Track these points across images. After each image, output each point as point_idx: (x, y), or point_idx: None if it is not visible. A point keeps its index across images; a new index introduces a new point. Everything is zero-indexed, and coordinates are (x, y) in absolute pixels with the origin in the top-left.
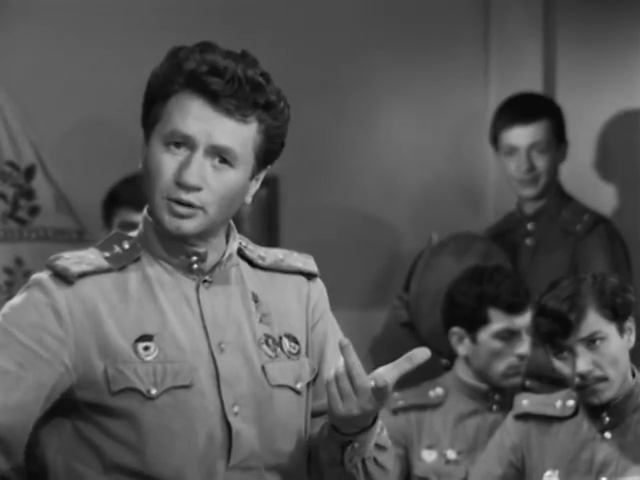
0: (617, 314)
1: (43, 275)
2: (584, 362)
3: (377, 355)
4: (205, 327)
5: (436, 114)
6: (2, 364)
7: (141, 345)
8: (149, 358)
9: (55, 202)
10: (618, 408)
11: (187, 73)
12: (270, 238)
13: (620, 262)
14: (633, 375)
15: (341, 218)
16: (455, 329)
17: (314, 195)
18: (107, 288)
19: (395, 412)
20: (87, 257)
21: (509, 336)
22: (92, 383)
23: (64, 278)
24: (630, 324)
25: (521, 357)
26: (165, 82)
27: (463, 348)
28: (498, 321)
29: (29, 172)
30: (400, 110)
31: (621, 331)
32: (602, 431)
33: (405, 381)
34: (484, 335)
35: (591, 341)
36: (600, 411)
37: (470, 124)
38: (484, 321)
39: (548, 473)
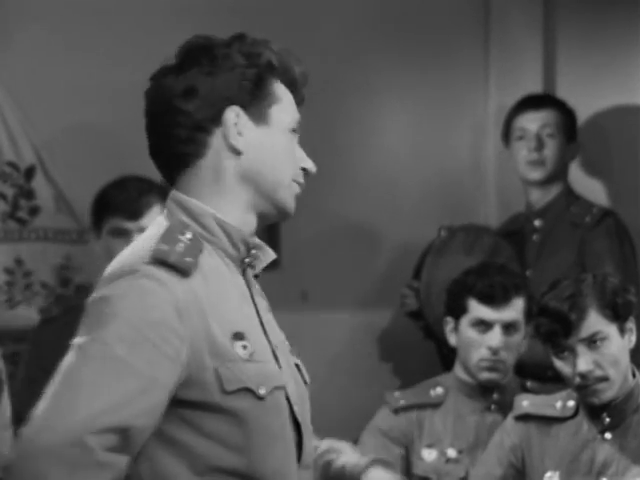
0: (618, 314)
1: (149, 267)
2: (585, 362)
3: (381, 352)
4: (262, 325)
5: (437, 117)
6: (135, 364)
7: (238, 344)
8: (247, 357)
9: (55, 202)
10: (618, 408)
11: (300, 73)
12: (270, 235)
13: (628, 256)
14: (633, 375)
15: (342, 217)
16: (448, 318)
17: (315, 194)
18: (200, 282)
19: (396, 411)
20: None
21: (482, 327)
22: (201, 382)
23: (180, 270)
24: (631, 324)
25: (492, 350)
26: (286, 69)
27: (452, 338)
28: (473, 310)
29: (29, 172)
30: (401, 113)
31: (622, 331)
32: (602, 432)
33: (406, 381)
34: (463, 323)
35: (592, 341)
36: (600, 411)
37: (471, 127)
38: (464, 310)
39: (548, 474)
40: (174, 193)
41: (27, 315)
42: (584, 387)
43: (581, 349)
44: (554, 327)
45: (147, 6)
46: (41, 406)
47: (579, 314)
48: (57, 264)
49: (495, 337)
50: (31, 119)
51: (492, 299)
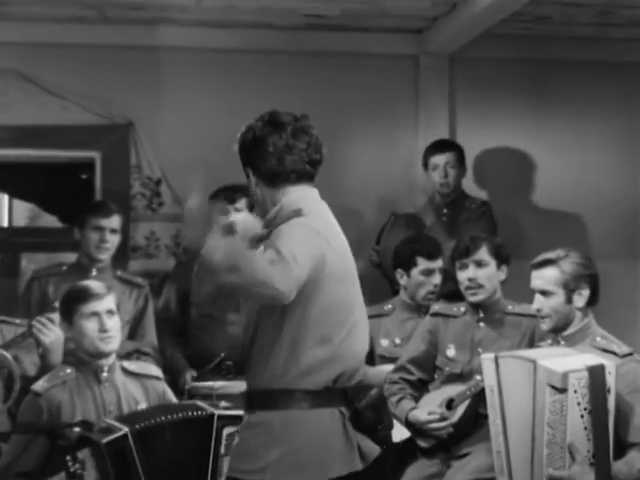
0: (498, 255)
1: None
2: (473, 272)
3: None
4: None
5: (383, 154)
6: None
7: None
8: None
9: (172, 200)
10: (488, 308)
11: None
12: None
13: (492, 227)
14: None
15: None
16: (399, 270)
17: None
18: None
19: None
20: None
21: (428, 273)
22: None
23: None
24: (504, 268)
25: (435, 286)
26: None
27: (403, 281)
28: (421, 264)
29: (158, 182)
30: (359, 153)
31: (498, 266)
32: (478, 321)
33: (373, 302)
34: (414, 272)
35: (479, 263)
36: (478, 308)
37: (407, 158)
38: (414, 264)
39: (449, 346)
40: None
41: (159, 262)
42: (469, 288)
43: (472, 266)
44: (460, 251)
45: (250, 70)
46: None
47: (475, 246)
48: (173, 234)
49: (437, 278)
50: (160, 150)
51: (433, 256)
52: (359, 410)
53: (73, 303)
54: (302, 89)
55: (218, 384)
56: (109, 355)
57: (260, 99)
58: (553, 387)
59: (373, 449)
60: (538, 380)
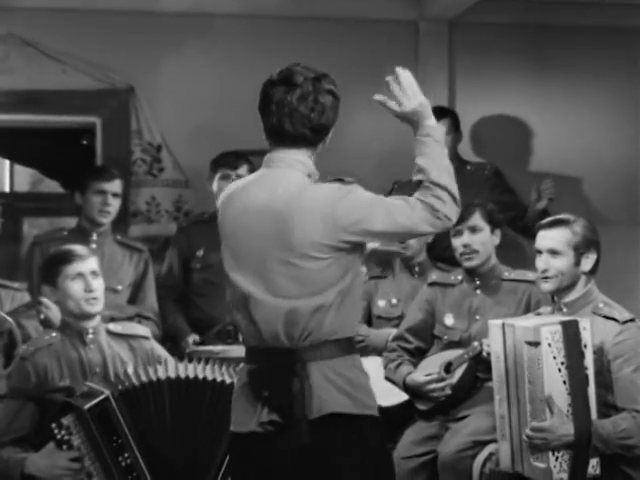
0: (492, 220)
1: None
2: (467, 238)
3: None
4: None
5: (383, 120)
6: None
7: None
8: None
9: (173, 165)
10: (484, 275)
11: None
12: None
13: (513, 193)
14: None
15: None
16: None
17: (317, 162)
18: None
19: (365, 282)
20: None
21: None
22: None
23: None
24: (498, 232)
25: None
26: None
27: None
28: None
29: (159, 148)
30: (359, 117)
31: (492, 231)
32: (475, 289)
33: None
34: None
35: (473, 229)
36: (474, 276)
37: (405, 126)
38: None
39: (447, 314)
40: None
41: (160, 227)
42: (463, 254)
43: (466, 232)
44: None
45: (257, 36)
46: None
47: (469, 212)
48: (174, 200)
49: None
50: (160, 116)
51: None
52: None
53: (57, 265)
54: (300, 55)
55: (218, 348)
56: (94, 317)
57: (258, 64)
58: (529, 343)
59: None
60: (517, 340)
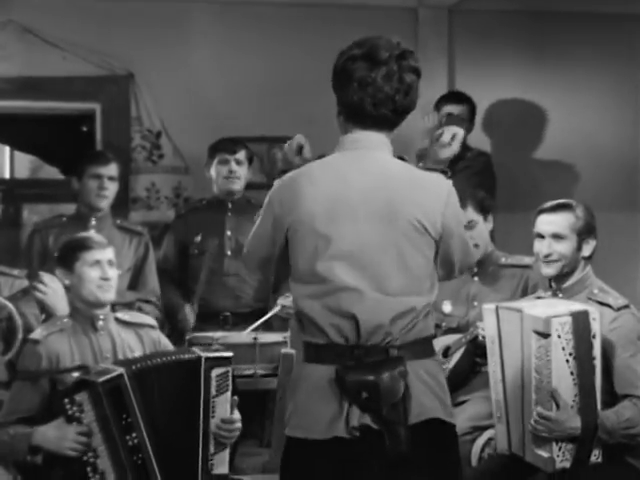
0: (483, 209)
1: None
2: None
3: None
4: None
5: None
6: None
7: None
8: None
9: (172, 152)
10: (481, 262)
11: None
12: None
13: (493, 179)
14: (492, 246)
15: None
16: None
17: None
18: None
19: None
20: None
21: None
22: None
23: None
24: (490, 218)
25: None
26: None
27: None
28: None
29: (158, 134)
30: None
31: (485, 219)
32: (473, 276)
33: None
34: None
35: (469, 225)
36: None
37: None
38: None
39: (445, 301)
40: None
41: (159, 213)
42: None
43: None
44: None
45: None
46: None
47: (463, 207)
48: (173, 186)
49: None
50: (160, 102)
51: None
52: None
53: (76, 250)
54: (300, 41)
55: (218, 334)
56: (106, 305)
57: (258, 51)
58: (538, 333)
59: None
60: (524, 328)
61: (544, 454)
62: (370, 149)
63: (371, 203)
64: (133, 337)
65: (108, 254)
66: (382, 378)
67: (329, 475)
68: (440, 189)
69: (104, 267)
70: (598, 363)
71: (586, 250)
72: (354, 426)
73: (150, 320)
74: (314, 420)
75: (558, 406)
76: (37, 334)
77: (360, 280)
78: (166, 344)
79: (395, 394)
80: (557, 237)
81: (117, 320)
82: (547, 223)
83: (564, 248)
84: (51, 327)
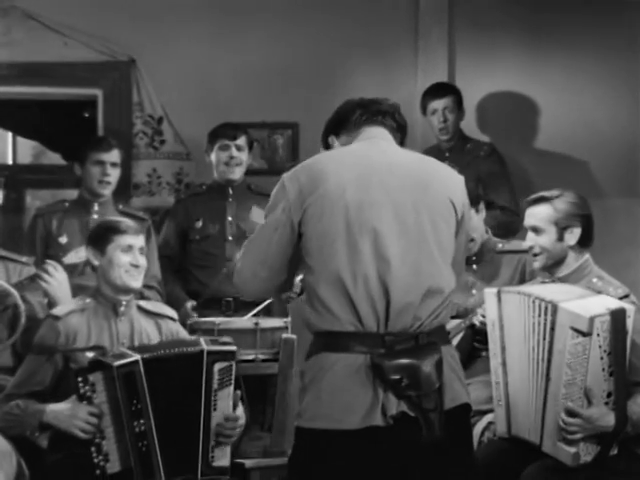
0: (472, 200)
1: None
2: None
3: None
4: None
5: (383, 94)
6: None
7: None
8: None
9: (174, 138)
10: (479, 250)
11: None
12: None
13: (507, 174)
14: (487, 233)
15: None
16: None
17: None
18: None
19: None
20: None
21: None
22: None
23: None
24: (482, 207)
25: None
26: None
27: None
28: None
29: (160, 120)
30: (359, 91)
31: (477, 210)
32: (471, 264)
33: None
34: None
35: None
36: (469, 255)
37: (405, 99)
38: None
39: None
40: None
41: (161, 199)
42: None
43: None
44: None
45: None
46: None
47: None
48: (175, 172)
49: None
50: (161, 88)
51: None
52: None
53: (110, 233)
54: (302, 28)
55: (219, 320)
56: (131, 292)
57: (260, 38)
58: (576, 330)
59: None
60: (559, 323)
61: (570, 449)
62: (385, 140)
63: (401, 175)
64: (152, 326)
65: (140, 241)
66: (424, 362)
67: (361, 465)
68: (459, 179)
69: (135, 253)
70: (627, 358)
71: (570, 239)
72: (392, 414)
73: (171, 312)
74: (345, 410)
75: (590, 403)
76: (58, 310)
77: (394, 249)
78: (185, 337)
79: (434, 381)
80: (535, 230)
81: (139, 308)
82: (527, 216)
83: (543, 241)
84: (72, 305)
